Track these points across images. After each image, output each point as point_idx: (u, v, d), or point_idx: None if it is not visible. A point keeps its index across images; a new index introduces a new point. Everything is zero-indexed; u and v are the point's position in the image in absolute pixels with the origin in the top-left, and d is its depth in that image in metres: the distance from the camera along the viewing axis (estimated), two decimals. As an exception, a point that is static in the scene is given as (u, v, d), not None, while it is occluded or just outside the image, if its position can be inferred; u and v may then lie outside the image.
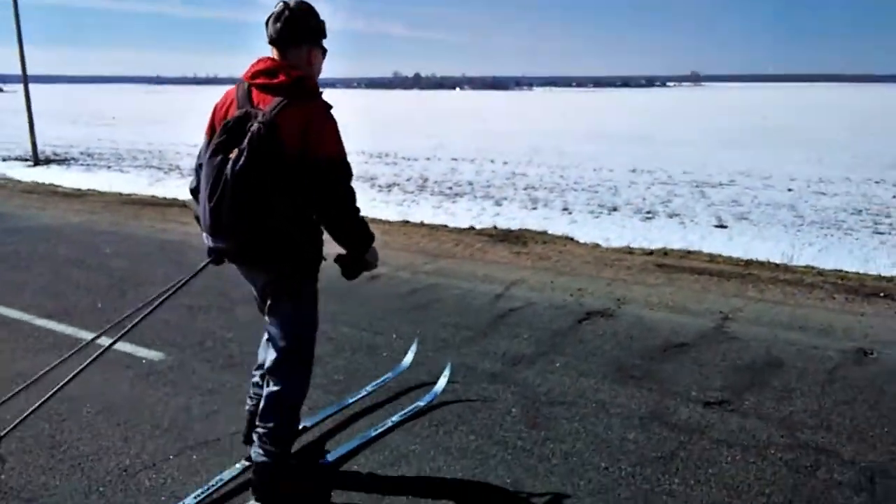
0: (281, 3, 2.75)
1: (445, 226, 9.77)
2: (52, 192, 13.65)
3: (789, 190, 13.16)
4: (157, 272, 7.11)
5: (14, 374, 4.35)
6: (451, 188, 13.61)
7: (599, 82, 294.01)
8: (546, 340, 5.10)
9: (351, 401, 4.07)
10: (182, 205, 11.28)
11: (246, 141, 2.58)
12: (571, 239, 8.89)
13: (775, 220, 10.21)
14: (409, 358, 4.63)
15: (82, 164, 18.30)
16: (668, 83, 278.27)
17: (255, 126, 2.59)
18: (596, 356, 4.78)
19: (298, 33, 2.75)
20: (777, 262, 7.61)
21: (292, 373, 2.99)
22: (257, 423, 3.01)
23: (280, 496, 3.02)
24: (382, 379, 4.38)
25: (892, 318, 5.66)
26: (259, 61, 2.79)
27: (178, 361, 4.72)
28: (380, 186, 13.90)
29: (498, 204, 11.67)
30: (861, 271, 7.23)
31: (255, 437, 3.01)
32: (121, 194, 13.12)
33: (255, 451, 2.99)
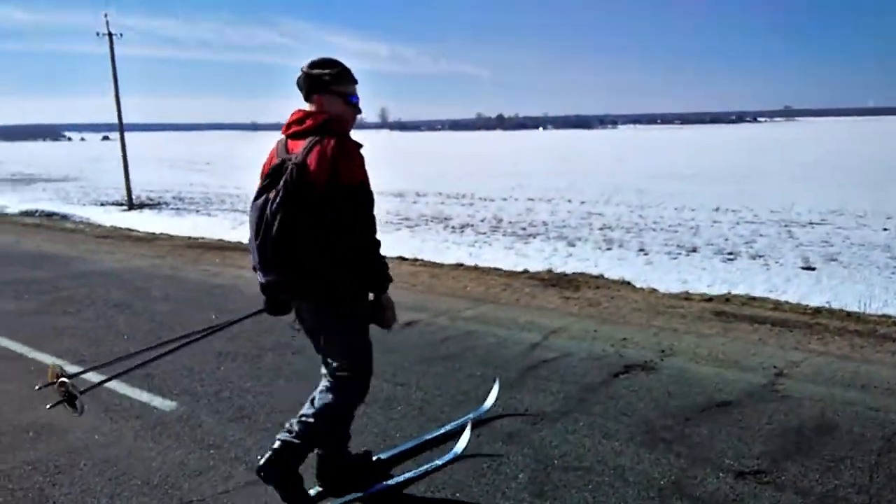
0: (308, 63, 3.13)
1: (498, 269, 9.35)
2: (127, 236, 13.95)
3: (885, 229, 12.38)
4: (197, 316, 6.85)
5: (27, 424, 4.29)
6: (524, 229, 13.44)
7: (687, 119, 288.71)
8: (575, 396, 4.62)
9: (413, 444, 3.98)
10: (245, 248, 11.35)
11: (281, 182, 2.87)
12: (628, 283, 8.39)
13: (868, 262, 9.57)
14: (490, 399, 4.47)
15: (173, 209, 19.04)
16: (760, 118, 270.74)
17: (288, 167, 2.88)
18: (626, 415, 4.29)
19: (312, 87, 3.08)
20: (851, 310, 6.96)
21: (347, 391, 3.22)
22: (301, 412, 3.21)
23: (283, 484, 3.19)
24: (463, 419, 4.21)
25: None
26: (291, 115, 3.13)
27: (189, 412, 4.52)
28: (453, 227, 13.85)
29: (571, 245, 11.42)
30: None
31: (291, 422, 3.20)
32: (189, 238, 13.28)
33: (283, 433, 3.17)
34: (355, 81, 3.16)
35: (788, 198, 17.62)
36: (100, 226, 15.95)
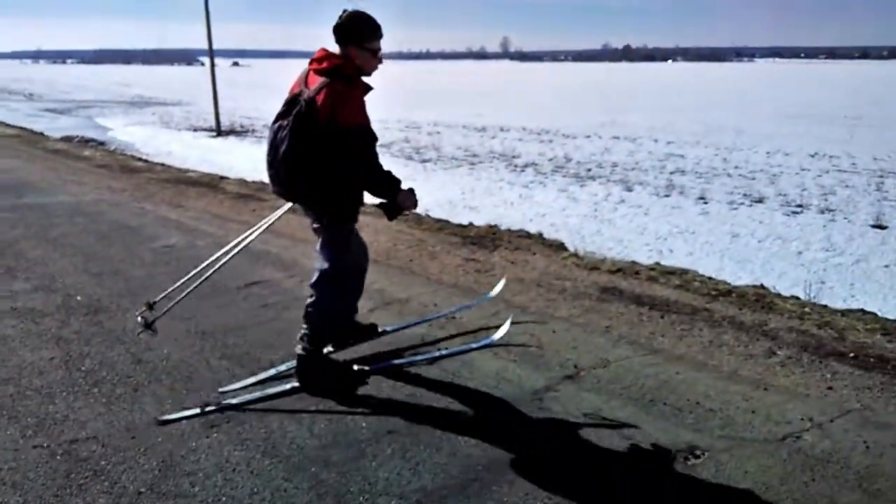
0: (341, 12, 3.53)
1: (448, 221, 7.84)
2: (125, 166, 12.33)
3: None
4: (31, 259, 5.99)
5: None
6: (589, 170, 12.77)
7: (834, 53, 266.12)
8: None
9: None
10: (207, 184, 10.23)
11: (293, 112, 3.36)
12: (561, 245, 6.80)
13: (956, 223, 8.46)
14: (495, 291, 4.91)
15: (259, 136, 19.36)
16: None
17: (301, 101, 3.37)
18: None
19: (343, 37, 3.49)
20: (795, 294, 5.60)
21: (325, 289, 3.70)
22: (301, 325, 3.73)
23: (313, 382, 3.71)
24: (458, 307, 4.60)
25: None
26: (318, 51, 3.55)
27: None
28: (516, 166, 13.36)
29: (628, 189, 10.75)
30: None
31: (298, 336, 3.73)
32: (180, 170, 12.08)
33: (297, 347, 3.72)
34: (380, 36, 3.56)
35: (905, 144, 15.91)
36: (118, 152, 15.10)
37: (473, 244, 6.61)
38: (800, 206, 9.49)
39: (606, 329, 4.43)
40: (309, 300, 3.73)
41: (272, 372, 3.89)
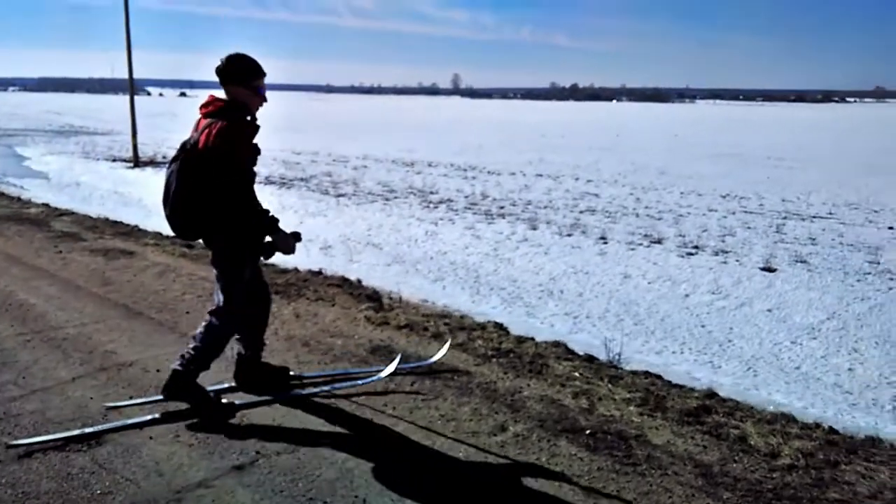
0: (222, 58, 3.76)
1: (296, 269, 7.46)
2: None
3: (890, 228, 11.18)
4: None
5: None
6: (502, 207, 12.72)
7: (771, 96, 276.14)
8: None
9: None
10: (38, 221, 10.01)
11: (181, 156, 3.63)
12: (353, 290, 6.68)
13: (840, 267, 8.56)
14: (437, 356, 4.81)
15: (177, 167, 18.91)
16: (848, 99, 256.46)
17: (188, 144, 3.65)
18: None
19: (225, 78, 3.76)
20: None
21: (219, 320, 3.91)
22: (189, 343, 3.93)
23: (183, 397, 3.90)
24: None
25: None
26: (207, 97, 3.80)
27: None
28: (430, 202, 13.24)
29: (533, 228, 10.69)
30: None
31: (180, 353, 3.92)
32: (25, 205, 11.79)
33: (175, 363, 3.88)
34: (263, 75, 3.81)
35: (816, 186, 16.30)
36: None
37: (277, 293, 6.33)
38: (696, 247, 9.53)
39: (332, 401, 4.19)
40: (203, 324, 3.94)
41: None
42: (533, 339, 5.51)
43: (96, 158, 21.10)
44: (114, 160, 20.44)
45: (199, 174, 3.57)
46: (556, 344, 5.40)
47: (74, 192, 14.35)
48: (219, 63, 3.74)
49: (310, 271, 7.37)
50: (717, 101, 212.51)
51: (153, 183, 15.58)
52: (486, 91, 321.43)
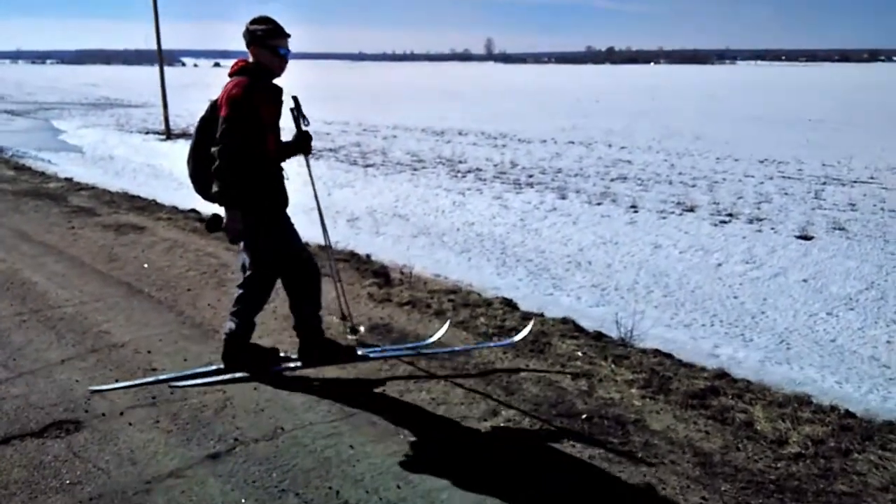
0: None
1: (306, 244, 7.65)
2: None
3: (938, 193, 10.76)
4: None
5: None
6: (531, 176, 12.52)
7: (814, 55, 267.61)
8: None
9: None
10: (55, 196, 10.16)
11: (208, 109, 3.78)
12: (360, 266, 6.68)
13: (880, 234, 8.26)
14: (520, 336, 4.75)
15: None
16: (895, 57, 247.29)
17: (210, 103, 3.80)
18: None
19: (249, 40, 3.81)
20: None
21: (252, 284, 4.05)
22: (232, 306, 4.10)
23: (237, 360, 4.10)
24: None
25: None
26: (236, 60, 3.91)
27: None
28: (458, 172, 13.09)
29: (563, 197, 10.50)
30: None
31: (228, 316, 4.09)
32: (48, 179, 11.99)
33: (226, 324, 4.10)
34: (286, 36, 3.84)
35: (859, 150, 15.76)
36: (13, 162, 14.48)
37: None
38: (730, 215, 9.27)
39: (322, 385, 4.08)
40: (238, 291, 4.09)
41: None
42: (542, 314, 5.38)
43: (130, 131, 21.27)
44: (147, 133, 20.58)
45: (213, 133, 3.65)
46: (565, 321, 5.24)
47: (107, 166, 14.48)
48: (249, 25, 3.82)
49: (318, 246, 7.29)
50: (759, 62, 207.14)
51: (184, 155, 15.67)
52: (520, 56, 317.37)
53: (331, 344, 4.33)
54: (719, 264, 7.33)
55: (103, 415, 3.68)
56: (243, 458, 3.27)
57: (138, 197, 10.24)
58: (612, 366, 4.34)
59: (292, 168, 4.14)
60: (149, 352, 4.49)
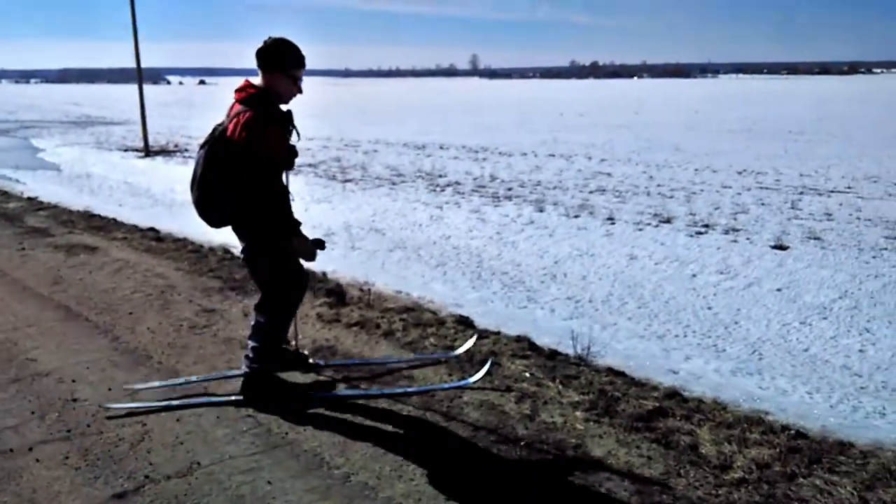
0: (266, 38, 3.65)
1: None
2: None
3: (909, 200, 10.82)
4: None
5: None
6: (510, 189, 12.50)
7: (795, 68, 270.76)
8: None
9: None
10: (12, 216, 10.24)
11: (210, 140, 3.61)
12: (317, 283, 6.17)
13: (854, 243, 8.27)
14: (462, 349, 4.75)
15: (186, 156, 18.85)
16: (875, 70, 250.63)
17: (217, 129, 3.63)
18: None
19: (266, 63, 3.64)
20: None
21: (268, 311, 3.90)
22: (247, 342, 3.95)
23: (259, 399, 3.93)
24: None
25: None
26: (242, 82, 3.71)
27: None
28: (437, 186, 13.05)
29: (540, 210, 10.47)
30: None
31: (244, 355, 3.98)
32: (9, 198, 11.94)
33: (244, 363, 3.96)
34: (303, 65, 3.72)
35: (836, 160, 15.85)
36: None
37: (232, 289, 6.30)
38: (706, 226, 9.26)
39: (251, 414, 3.90)
40: (255, 320, 3.95)
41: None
42: (498, 333, 5.26)
43: (109, 149, 21.14)
44: (126, 150, 20.46)
45: (224, 162, 3.56)
46: (519, 339, 5.10)
47: (84, 184, 14.32)
48: (262, 45, 3.65)
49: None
50: (740, 76, 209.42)
51: (162, 172, 15.62)
52: (504, 71, 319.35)
53: (286, 353, 4.38)
54: (694, 275, 7.31)
55: (11, 450, 3.51)
56: (150, 498, 3.11)
57: (98, 216, 10.11)
58: (560, 387, 4.22)
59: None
60: (73, 381, 4.35)
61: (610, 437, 3.66)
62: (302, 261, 3.90)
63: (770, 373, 4.94)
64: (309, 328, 5.30)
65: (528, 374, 4.43)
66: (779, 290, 6.80)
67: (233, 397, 4.01)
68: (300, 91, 3.77)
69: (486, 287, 7.04)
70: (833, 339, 5.61)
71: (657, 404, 3.96)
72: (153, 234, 8.61)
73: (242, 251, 3.88)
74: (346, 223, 9.93)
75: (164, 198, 12.61)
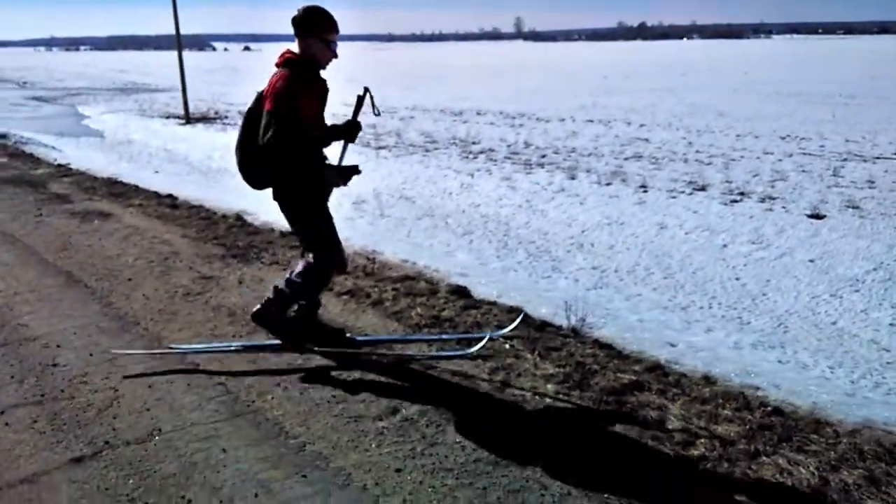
0: (299, 8, 3.81)
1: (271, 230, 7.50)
2: None
3: (962, 166, 10.38)
4: None
5: None
6: (543, 156, 12.35)
7: (851, 28, 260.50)
8: None
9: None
10: (37, 183, 10.24)
11: (255, 100, 3.82)
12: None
13: (895, 212, 7.98)
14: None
15: (226, 123, 19.04)
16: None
17: (257, 94, 3.82)
18: None
19: (299, 29, 3.80)
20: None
21: (317, 259, 4.03)
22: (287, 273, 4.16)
23: (299, 341, 4.22)
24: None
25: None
26: (283, 50, 3.89)
27: None
28: (470, 152, 12.96)
29: (572, 178, 10.33)
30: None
31: (279, 281, 4.17)
32: (38, 164, 12.22)
33: (279, 281, 4.16)
34: (334, 29, 3.84)
35: (886, 124, 15.27)
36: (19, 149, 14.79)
37: (234, 256, 6.33)
38: (742, 193, 9.04)
39: (224, 380, 3.94)
40: (301, 262, 4.12)
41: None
42: (494, 303, 5.18)
43: (151, 116, 21.44)
44: (168, 117, 20.72)
45: (259, 123, 3.70)
46: (511, 310, 5.01)
47: (124, 150, 14.59)
48: (295, 13, 3.80)
49: (280, 233, 7.16)
50: (794, 36, 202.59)
51: (201, 139, 15.79)
52: (549, 34, 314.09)
53: (323, 326, 4.47)
54: (725, 245, 7.15)
55: (-18, 415, 3.59)
56: (105, 463, 3.15)
57: (120, 182, 10.26)
58: (538, 359, 4.16)
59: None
60: (58, 346, 4.44)
61: (575, 410, 3.62)
62: (336, 189, 4.06)
63: (793, 346, 4.83)
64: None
65: (507, 346, 4.38)
66: (811, 260, 6.63)
67: (270, 342, 4.20)
68: (335, 55, 3.88)
69: (512, 256, 7.00)
70: (863, 312, 5.46)
71: (635, 378, 3.90)
72: (169, 201, 8.72)
73: (283, 208, 3.99)
74: (376, 191, 9.94)
75: (202, 165, 12.78)
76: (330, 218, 4.08)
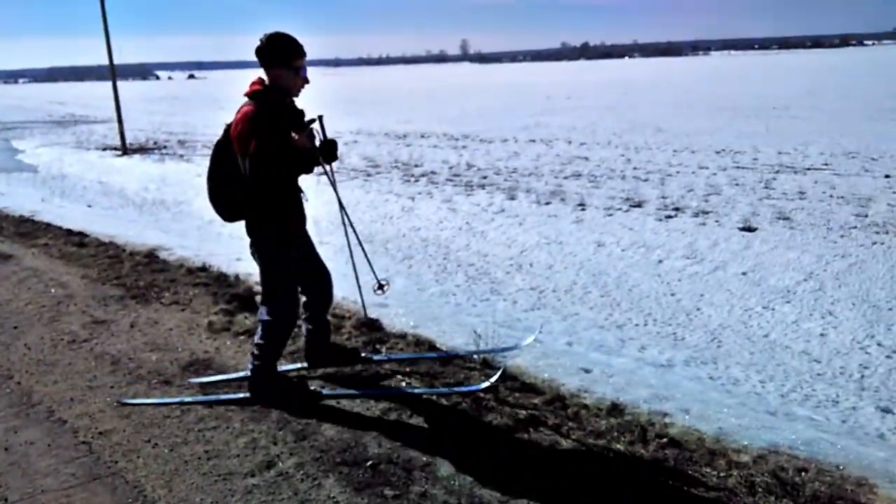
0: (262, 36, 3.67)
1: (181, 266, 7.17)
2: None
3: (886, 177, 10.68)
4: None
5: None
6: (484, 177, 12.37)
7: (786, 43, 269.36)
8: None
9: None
10: None
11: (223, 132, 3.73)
12: (220, 285, 6.38)
13: (824, 222, 8.16)
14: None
15: (163, 154, 18.64)
16: (866, 42, 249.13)
17: (225, 126, 3.74)
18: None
19: (266, 59, 3.66)
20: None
21: (269, 311, 3.88)
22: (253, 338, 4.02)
23: (261, 396, 3.97)
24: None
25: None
26: (255, 79, 3.76)
27: None
28: (412, 176, 12.91)
29: (511, 198, 10.35)
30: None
31: (251, 353, 4.00)
32: None
33: (249, 361, 4.00)
34: (302, 55, 3.70)
35: (817, 136, 15.71)
36: None
37: (133, 297, 6.08)
38: (677, 209, 9.16)
39: (85, 442, 3.66)
40: (258, 318, 4.00)
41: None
42: (404, 336, 5.01)
43: (88, 148, 20.92)
44: (104, 149, 20.25)
45: (228, 157, 3.68)
46: (419, 342, 4.86)
47: (57, 185, 14.18)
48: (258, 43, 3.65)
49: (188, 269, 6.91)
50: (731, 52, 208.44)
51: (138, 170, 15.46)
52: (495, 55, 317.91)
53: (337, 347, 4.57)
54: (660, 261, 7.22)
55: None
56: None
57: (31, 220, 9.84)
58: (433, 397, 4.03)
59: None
60: None
61: (456, 452, 3.46)
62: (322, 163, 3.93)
63: (725, 361, 4.86)
64: (192, 340, 5.08)
65: (404, 383, 4.24)
66: (744, 273, 6.72)
67: (240, 395, 4.06)
68: (306, 80, 3.75)
69: (450, 280, 6.95)
70: (795, 323, 5.54)
71: (533, 412, 3.77)
72: (78, 240, 8.35)
73: (250, 245, 3.89)
74: (315, 218, 9.78)
75: (136, 197, 12.49)
76: (295, 268, 3.95)
